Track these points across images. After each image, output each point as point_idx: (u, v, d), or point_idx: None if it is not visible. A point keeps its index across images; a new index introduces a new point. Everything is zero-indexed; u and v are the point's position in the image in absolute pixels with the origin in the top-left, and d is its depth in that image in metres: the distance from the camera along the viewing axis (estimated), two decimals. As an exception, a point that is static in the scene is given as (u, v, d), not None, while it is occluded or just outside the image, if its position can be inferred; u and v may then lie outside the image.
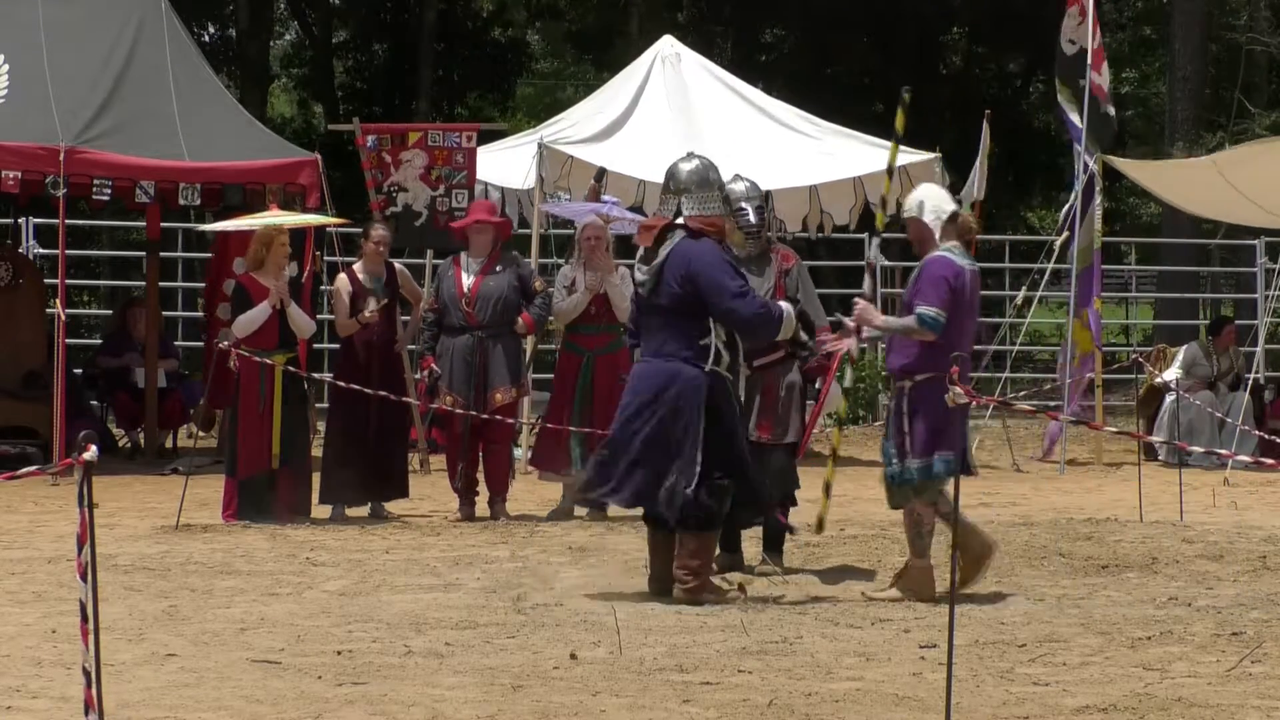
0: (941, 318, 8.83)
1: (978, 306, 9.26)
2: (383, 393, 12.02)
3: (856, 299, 9.32)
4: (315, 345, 12.70)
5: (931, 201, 9.12)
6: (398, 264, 12.82)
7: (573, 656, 7.41)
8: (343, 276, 12.45)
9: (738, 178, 10.12)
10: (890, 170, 10.33)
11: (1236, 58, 27.21)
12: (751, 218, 9.90)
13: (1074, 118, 17.08)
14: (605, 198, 13.22)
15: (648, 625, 8.18)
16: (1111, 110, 17.63)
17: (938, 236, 9.00)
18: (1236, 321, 19.16)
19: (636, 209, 15.44)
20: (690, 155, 9.32)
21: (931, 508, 8.99)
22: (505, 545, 10.73)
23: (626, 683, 6.91)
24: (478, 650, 7.59)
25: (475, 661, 7.34)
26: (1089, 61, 17.11)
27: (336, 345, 13.02)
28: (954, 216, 9.06)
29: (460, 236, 12.46)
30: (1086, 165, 16.89)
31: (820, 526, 9.99)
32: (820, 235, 17.87)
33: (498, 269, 12.16)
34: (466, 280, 12.12)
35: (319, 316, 13.74)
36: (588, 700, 6.59)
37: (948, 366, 8.91)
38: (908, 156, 17.43)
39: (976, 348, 16.18)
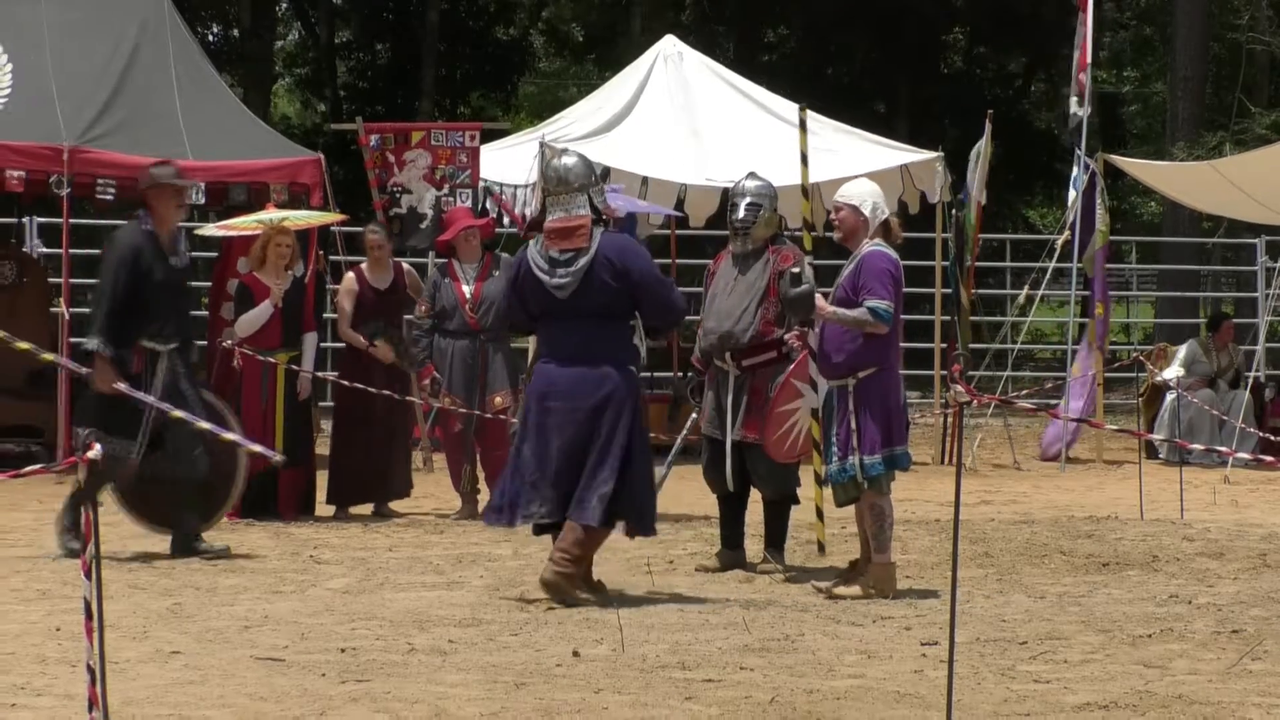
0: (893, 309, 8.87)
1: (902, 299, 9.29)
2: (386, 392, 12.09)
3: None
4: (320, 344, 12.72)
5: (876, 199, 9.18)
6: (405, 264, 12.92)
7: (575, 654, 7.42)
8: (350, 277, 12.55)
9: (751, 175, 10.12)
10: (805, 191, 10.29)
11: (1237, 57, 27.21)
12: (740, 214, 9.89)
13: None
14: (609, 186, 13.22)
15: (650, 623, 8.19)
16: (1077, 110, 17.66)
17: (870, 233, 9.06)
18: (1237, 320, 19.21)
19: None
20: (568, 150, 9.20)
21: (889, 499, 9.02)
22: (508, 543, 10.73)
23: (629, 680, 6.92)
24: (481, 648, 7.60)
25: (478, 659, 7.35)
26: (1087, 56, 17.19)
27: (340, 345, 13.06)
28: (886, 222, 9.13)
29: (447, 248, 12.53)
30: (1088, 165, 16.92)
31: (821, 549, 10.06)
32: (826, 233, 17.85)
33: (494, 273, 12.23)
34: (466, 287, 12.21)
35: (326, 315, 13.76)
36: (590, 698, 6.60)
37: (889, 360, 9.00)
38: (910, 155, 17.46)
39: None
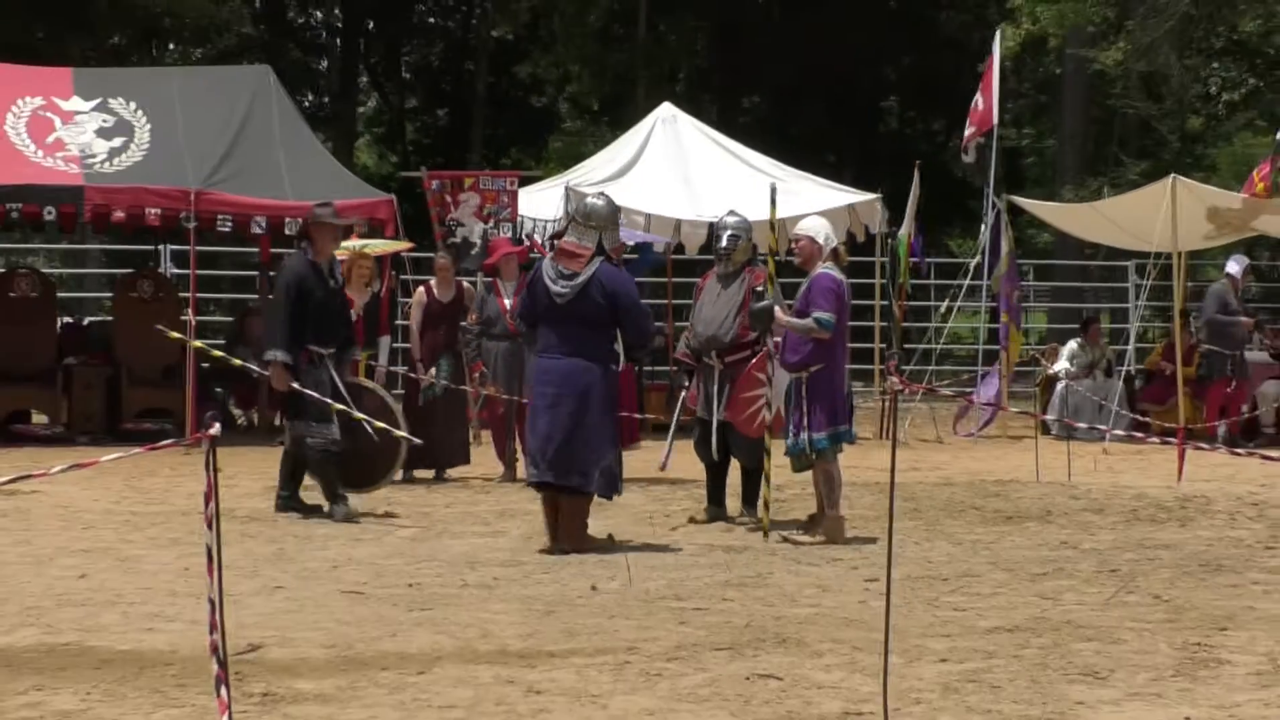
0: (835, 320, 8.84)
1: (849, 310, 9.24)
2: (444, 382, 12.08)
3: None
4: (392, 345, 12.72)
5: (827, 231, 9.19)
6: (465, 282, 12.93)
7: (593, 588, 7.41)
8: (421, 291, 12.56)
9: (732, 212, 10.12)
10: (772, 226, 10.20)
11: (1113, 118, 27.14)
12: (723, 243, 9.94)
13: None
14: None
15: (652, 564, 8.17)
16: (967, 157, 17.83)
17: (823, 258, 9.02)
18: (1112, 326, 19.18)
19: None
20: (601, 194, 9.09)
21: (838, 466, 8.99)
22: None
23: (635, 608, 6.91)
24: (519, 583, 7.59)
25: (517, 592, 7.34)
26: (994, 118, 17.18)
27: (409, 345, 13.04)
28: (835, 250, 9.12)
29: (492, 269, 12.58)
30: (995, 205, 16.91)
31: (765, 535, 9.97)
32: (789, 258, 17.78)
33: (530, 289, 12.24)
34: (507, 300, 12.21)
35: (398, 322, 13.75)
36: (605, 622, 6.59)
37: (834, 358, 8.98)
38: (855, 197, 17.41)
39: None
